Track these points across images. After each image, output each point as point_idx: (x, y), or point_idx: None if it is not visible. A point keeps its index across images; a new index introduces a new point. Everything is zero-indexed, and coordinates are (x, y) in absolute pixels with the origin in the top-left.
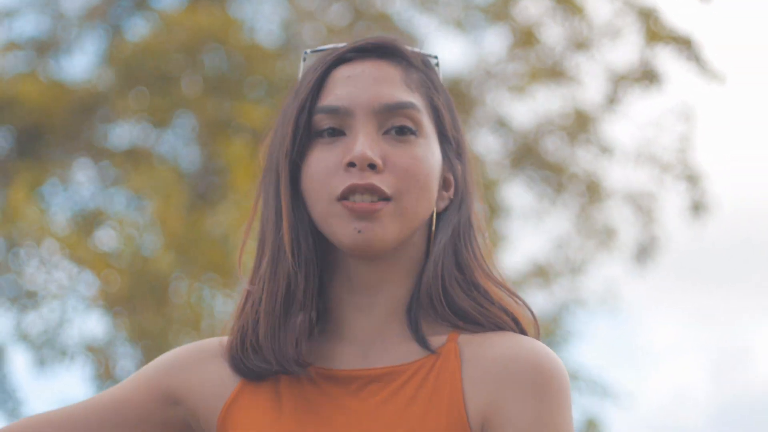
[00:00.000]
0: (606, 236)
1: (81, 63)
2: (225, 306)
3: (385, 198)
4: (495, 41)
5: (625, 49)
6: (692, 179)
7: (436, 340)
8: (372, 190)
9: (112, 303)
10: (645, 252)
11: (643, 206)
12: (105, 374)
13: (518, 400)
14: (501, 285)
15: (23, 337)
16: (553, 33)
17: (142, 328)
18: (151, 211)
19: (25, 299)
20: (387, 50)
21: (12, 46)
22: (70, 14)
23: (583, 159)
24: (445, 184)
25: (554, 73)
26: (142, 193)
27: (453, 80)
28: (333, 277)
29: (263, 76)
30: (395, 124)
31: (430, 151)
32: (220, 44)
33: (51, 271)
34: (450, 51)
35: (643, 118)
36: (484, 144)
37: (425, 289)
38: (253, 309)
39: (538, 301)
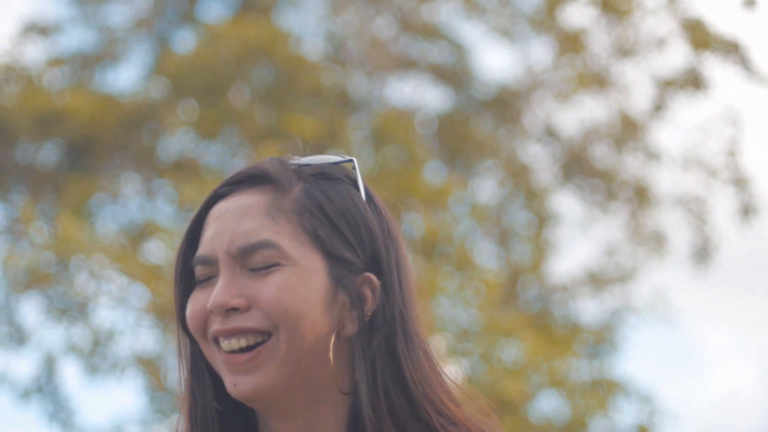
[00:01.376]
0: (656, 242)
1: (129, 75)
2: None
3: (260, 332)
4: (541, 50)
5: (671, 56)
6: (741, 183)
7: None
8: (236, 333)
9: (163, 315)
10: (701, 256)
11: (693, 211)
12: (157, 386)
13: None
14: (453, 401)
15: (74, 348)
16: (599, 40)
17: None
18: None
19: (75, 311)
20: (258, 178)
21: (60, 60)
22: (117, 27)
23: (632, 166)
24: (352, 304)
25: (600, 80)
26: (190, 205)
27: (500, 89)
28: None
29: (309, 88)
30: (252, 265)
31: (301, 277)
32: (267, 56)
33: (101, 283)
34: (497, 60)
35: (690, 123)
36: (533, 153)
37: (369, 424)
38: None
39: (589, 308)
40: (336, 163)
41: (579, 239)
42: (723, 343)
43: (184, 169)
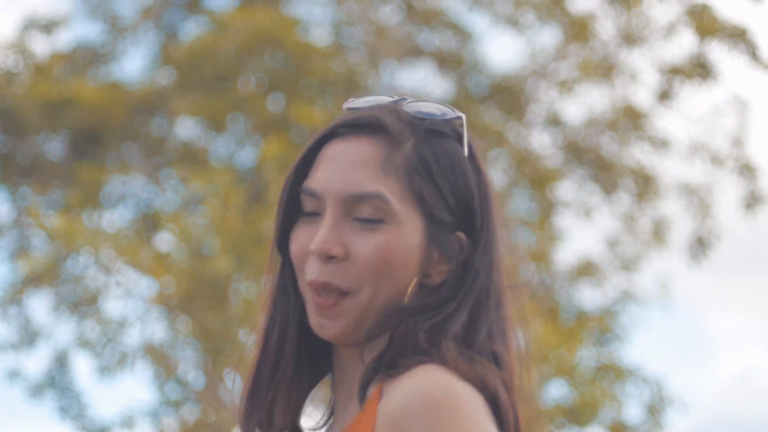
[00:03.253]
0: (659, 231)
1: (136, 66)
2: None
3: (345, 292)
4: (548, 37)
5: (678, 43)
6: (747, 171)
7: (370, 393)
8: (326, 288)
9: (172, 305)
10: (701, 244)
11: (697, 199)
12: (167, 376)
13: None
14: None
15: (85, 343)
16: (605, 28)
17: (203, 329)
18: (208, 213)
19: (85, 306)
20: (375, 128)
21: (68, 51)
22: (124, 18)
23: (636, 155)
24: (439, 260)
25: (607, 68)
26: (198, 195)
27: (505, 77)
28: (334, 359)
29: (317, 76)
30: (360, 214)
31: (401, 239)
32: (275, 44)
33: (110, 275)
34: (502, 48)
35: (696, 111)
36: (538, 141)
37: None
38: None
39: (593, 296)
40: (448, 120)
41: (583, 227)
42: (732, 328)
43: (192, 157)
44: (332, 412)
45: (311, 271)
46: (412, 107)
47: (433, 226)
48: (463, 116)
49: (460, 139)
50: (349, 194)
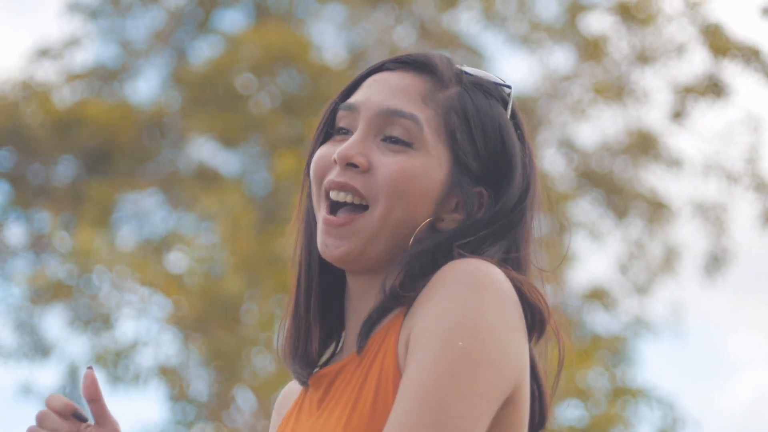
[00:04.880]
0: (670, 258)
1: (147, 87)
2: None
3: (363, 198)
4: (561, 58)
5: (691, 62)
6: (762, 188)
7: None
8: (345, 188)
9: (185, 325)
10: (717, 263)
11: (712, 218)
12: (179, 395)
13: (429, 297)
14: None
15: (98, 359)
16: (618, 48)
17: (215, 349)
18: (220, 233)
19: (98, 323)
20: (423, 66)
21: (79, 74)
22: (135, 40)
23: (649, 178)
24: (456, 207)
25: (620, 88)
26: (210, 215)
27: (518, 98)
28: (346, 290)
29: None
30: (390, 133)
31: (422, 166)
32: (289, 64)
33: (123, 294)
34: (516, 68)
35: (710, 130)
36: (551, 161)
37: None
38: (289, 322)
39: (605, 319)
40: (496, 84)
41: (593, 251)
42: (748, 349)
43: (204, 177)
44: (341, 345)
45: (331, 175)
46: (464, 67)
47: (459, 169)
48: (512, 87)
49: (505, 105)
50: (385, 108)
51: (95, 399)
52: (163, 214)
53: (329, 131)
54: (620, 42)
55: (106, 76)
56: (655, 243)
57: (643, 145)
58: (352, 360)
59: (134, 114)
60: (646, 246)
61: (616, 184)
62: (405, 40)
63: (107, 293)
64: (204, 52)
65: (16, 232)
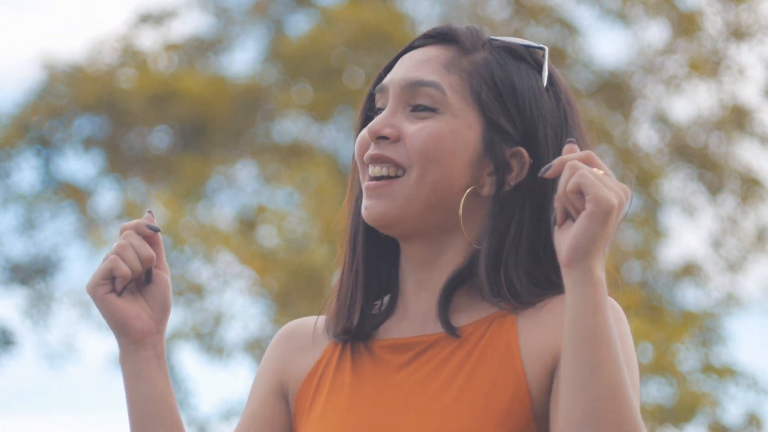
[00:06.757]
0: (765, 233)
1: (244, 59)
2: None
3: (399, 167)
4: (655, 33)
5: None
6: None
7: (490, 309)
8: (380, 159)
9: (273, 297)
10: None
11: None
12: None
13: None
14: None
15: (190, 330)
16: (714, 23)
17: None
18: (306, 205)
19: (190, 293)
20: (446, 36)
21: (176, 44)
22: (232, 11)
23: (743, 154)
24: (494, 169)
25: (715, 64)
26: (298, 188)
27: (612, 73)
28: (401, 258)
29: None
30: (415, 102)
31: (453, 129)
32: (383, 39)
33: (214, 266)
34: (610, 42)
35: None
36: (644, 138)
37: (483, 273)
38: (336, 284)
39: (693, 297)
40: (527, 47)
41: (686, 226)
42: None
43: (297, 152)
44: (394, 307)
45: (368, 150)
46: (491, 35)
47: (491, 130)
48: (546, 48)
49: (539, 67)
50: (408, 80)
51: (155, 242)
52: (255, 187)
53: (369, 114)
54: (715, 17)
55: (203, 47)
56: (748, 220)
57: (738, 121)
58: (444, 338)
59: (230, 88)
60: (738, 222)
61: (709, 159)
62: (498, 13)
63: (198, 266)
64: (301, 25)
65: (108, 200)
